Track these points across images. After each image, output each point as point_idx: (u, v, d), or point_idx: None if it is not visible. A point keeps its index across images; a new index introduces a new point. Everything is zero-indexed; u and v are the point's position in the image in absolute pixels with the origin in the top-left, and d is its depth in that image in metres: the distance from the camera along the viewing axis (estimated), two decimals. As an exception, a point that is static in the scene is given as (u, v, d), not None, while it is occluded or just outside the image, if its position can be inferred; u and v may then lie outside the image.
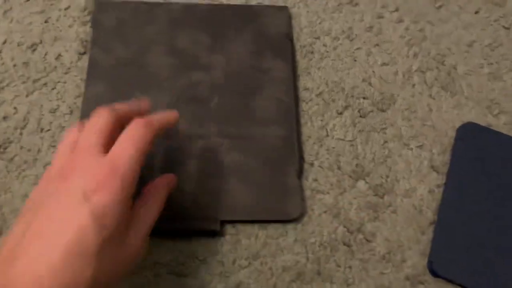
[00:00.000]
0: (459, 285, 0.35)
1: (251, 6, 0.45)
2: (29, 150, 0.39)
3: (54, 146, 0.39)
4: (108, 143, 0.28)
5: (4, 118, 0.40)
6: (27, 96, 0.41)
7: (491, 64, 0.45)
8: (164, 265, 0.35)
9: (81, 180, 0.25)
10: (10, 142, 0.39)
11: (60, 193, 0.25)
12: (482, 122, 0.42)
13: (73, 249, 0.23)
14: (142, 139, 0.27)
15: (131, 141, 0.27)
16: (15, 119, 0.40)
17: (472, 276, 0.35)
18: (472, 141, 0.40)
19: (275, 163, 0.39)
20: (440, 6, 0.48)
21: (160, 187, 0.31)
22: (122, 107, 0.31)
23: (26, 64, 0.42)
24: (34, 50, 0.43)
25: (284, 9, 0.45)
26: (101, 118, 0.28)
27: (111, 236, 0.25)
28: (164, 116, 0.31)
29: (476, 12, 0.48)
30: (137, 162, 0.27)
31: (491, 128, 0.42)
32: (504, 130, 0.42)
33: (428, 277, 0.36)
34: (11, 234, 0.25)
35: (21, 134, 0.39)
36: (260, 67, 0.42)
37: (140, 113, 0.31)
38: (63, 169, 0.27)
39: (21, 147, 0.39)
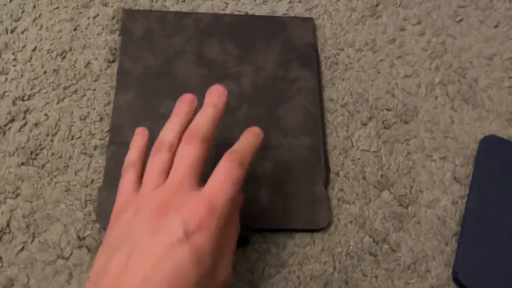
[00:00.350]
0: (484, 295, 0.36)
1: (277, 17, 0.46)
2: (60, 157, 0.39)
3: (85, 153, 0.40)
4: (200, 174, 0.29)
5: (36, 124, 0.40)
6: (57, 103, 0.41)
7: (512, 77, 0.46)
8: (194, 272, 0.36)
9: (180, 218, 0.26)
10: (42, 149, 0.39)
11: (159, 229, 0.26)
12: (503, 134, 0.43)
13: (173, 283, 0.25)
14: (238, 181, 0.29)
15: (229, 182, 0.28)
16: (46, 126, 0.40)
17: (497, 285, 0.36)
18: (494, 153, 0.41)
19: (303, 173, 0.39)
20: (460, 20, 0.49)
21: (235, 212, 0.32)
22: (210, 130, 0.31)
23: (56, 71, 0.43)
24: (64, 57, 0.44)
25: (309, 20, 0.46)
26: (193, 149, 0.29)
27: (207, 271, 0.26)
28: (251, 143, 0.31)
29: (496, 26, 0.49)
30: (232, 202, 0.28)
31: (512, 141, 0.43)
32: (525, 143, 0.42)
33: (453, 287, 0.37)
34: (112, 263, 0.26)
35: (52, 140, 0.40)
36: (287, 77, 0.43)
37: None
38: (160, 205, 0.27)
39: (52, 154, 0.39)
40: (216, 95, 0.32)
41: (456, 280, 0.37)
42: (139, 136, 0.34)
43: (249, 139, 0.32)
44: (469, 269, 0.37)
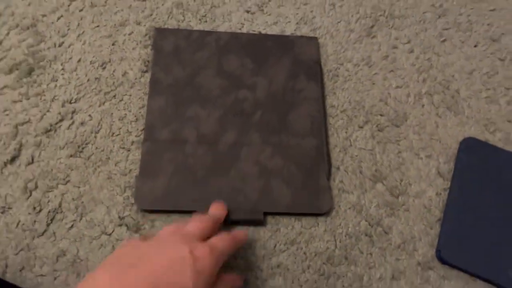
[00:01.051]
0: (462, 269, 0.43)
1: (286, 36, 0.54)
2: (102, 150, 0.46)
3: (123, 148, 0.46)
4: (204, 238, 0.36)
5: (82, 123, 0.47)
6: (99, 106, 0.49)
7: (489, 89, 0.53)
8: (217, 248, 0.42)
9: (187, 247, 0.33)
10: (87, 144, 0.46)
11: (167, 249, 0.33)
12: (480, 137, 0.50)
13: (176, 263, 0.32)
14: (232, 245, 0.37)
15: (227, 240, 0.36)
16: (91, 125, 0.47)
17: (474, 262, 0.42)
18: (472, 152, 0.48)
19: (309, 167, 0.46)
20: (444, 40, 0.57)
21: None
22: (216, 215, 0.41)
23: (97, 79, 0.50)
24: (104, 68, 0.51)
25: (313, 39, 0.54)
26: (203, 221, 0.38)
27: (204, 282, 0.32)
28: (241, 239, 0.39)
29: (475, 46, 0.57)
30: (225, 257, 0.35)
31: (488, 142, 0.49)
32: (499, 145, 0.49)
33: (436, 263, 0.43)
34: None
35: (95, 137, 0.47)
36: (295, 88, 0.50)
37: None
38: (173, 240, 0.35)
39: (96, 148, 0.46)
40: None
41: (439, 257, 0.43)
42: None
43: (241, 236, 0.40)
44: (450, 248, 0.43)
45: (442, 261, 0.43)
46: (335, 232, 0.44)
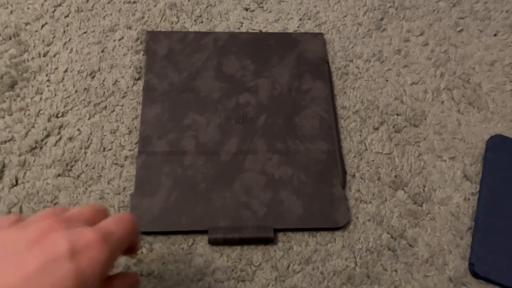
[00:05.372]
0: (500, 285, 0.38)
1: (289, 34, 0.50)
2: (93, 168, 0.42)
3: (116, 164, 0.42)
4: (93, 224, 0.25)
5: (70, 139, 0.43)
6: (89, 118, 0.44)
7: (513, 81, 0.49)
8: (223, 271, 0.38)
9: (67, 237, 0.22)
10: (76, 161, 0.42)
11: (36, 244, 0.22)
12: (508, 134, 0.45)
13: (48, 266, 0.21)
14: (128, 228, 0.26)
15: (121, 221, 0.26)
16: (80, 140, 0.43)
17: (511, 275, 0.38)
18: (501, 151, 0.44)
19: (321, 175, 0.42)
20: (461, 30, 0.52)
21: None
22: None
23: (86, 90, 0.46)
24: (93, 77, 0.47)
25: (319, 35, 0.50)
26: (95, 206, 0.27)
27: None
28: (129, 218, 0.27)
29: (495, 35, 0.52)
30: (122, 246, 0.26)
31: (518, 139, 0.45)
32: (530, 141, 0.45)
33: (470, 278, 0.39)
34: None
35: (85, 153, 0.43)
36: (301, 88, 0.46)
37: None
38: (47, 225, 0.23)
39: (86, 165, 0.42)
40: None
41: (472, 271, 0.38)
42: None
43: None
44: (484, 260, 0.38)
45: (476, 275, 0.38)
46: (354, 248, 0.40)
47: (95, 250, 0.23)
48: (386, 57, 0.50)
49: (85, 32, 0.49)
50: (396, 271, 0.39)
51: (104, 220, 0.26)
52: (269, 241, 0.39)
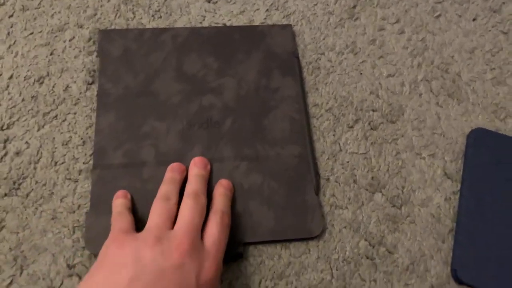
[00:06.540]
0: (485, 291, 0.36)
1: (255, 27, 0.46)
2: (44, 185, 0.38)
3: (69, 179, 0.39)
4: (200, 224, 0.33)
5: (17, 153, 0.39)
6: (38, 130, 0.41)
7: (494, 69, 0.46)
8: (190, 292, 0.35)
9: (195, 269, 0.30)
10: (25, 178, 0.38)
11: (172, 268, 0.29)
12: (490, 126, 0.43)
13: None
14: (227, 228, 0.34)
15: (224, 240, 0.33)
16: (28, 154, 0.39)
17: (496, 280, 0.35)
18: (483, 146, 0.41)
19: (293, 182, 0.39)
20: (438, 16, 0.49)
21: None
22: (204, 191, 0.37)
23: (34, 97, 0.42)
24: (42, 83, 0.43)
25: (287, 27, 0.46)
26: (193, 204, 0.34)
27: None
28: (227, 196, 0.37)
29: (474, 19, 0.49)
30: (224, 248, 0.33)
31: (500, 132, 0.42)
32: (513, 134, 0.42)
33: (453, 285, 0.36)
34: (116, 276, 0.28)
35: (35, 168, 0.39)
36: (269, 86, 0.43)
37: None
38: (176, 246, 0.30)
39: (36, 182, 0.38)
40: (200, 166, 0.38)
41: (455, 277, 0.36)
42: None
43: (223, 193, 0.37)
44: (467, 265, 0.36)
45: (460, 281, 0.36)
46: (330, 259, 0.37)
47: (210, 272, 0.30)
48: (360, 48, 0.47)
49: (32, 33, 0.45)
50: (375, 281, 0.36)
51: (209, 242, 0.32)
52: (238, 256, 0.36)
